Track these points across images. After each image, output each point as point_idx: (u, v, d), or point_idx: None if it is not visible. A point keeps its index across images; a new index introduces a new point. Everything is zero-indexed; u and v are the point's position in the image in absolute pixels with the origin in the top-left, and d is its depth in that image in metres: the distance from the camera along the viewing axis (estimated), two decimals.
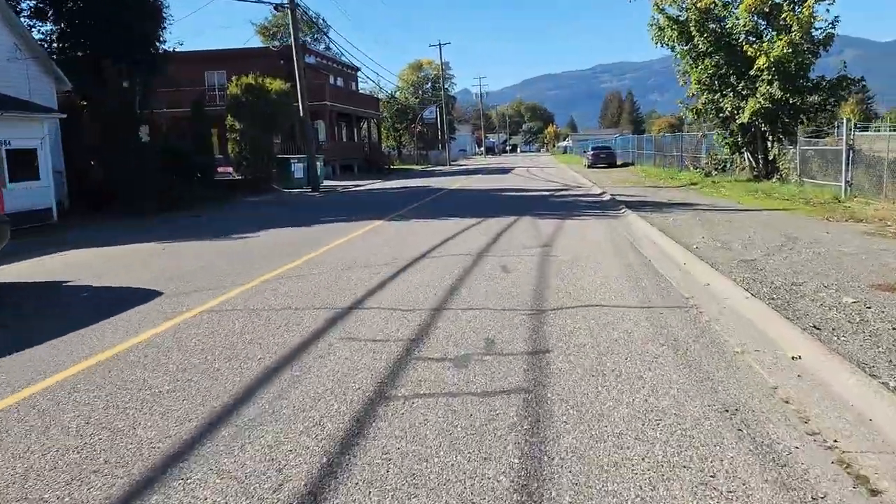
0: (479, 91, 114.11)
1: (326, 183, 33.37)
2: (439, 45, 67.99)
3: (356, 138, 49.88)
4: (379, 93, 70.17)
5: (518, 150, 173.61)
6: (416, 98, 79.78)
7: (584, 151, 47.67)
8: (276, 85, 28.01)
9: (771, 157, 20.19)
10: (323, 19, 59.74)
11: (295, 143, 38.81)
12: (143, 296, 7.32)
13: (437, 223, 13.80)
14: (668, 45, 21.78)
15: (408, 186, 28.98)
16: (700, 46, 20.22)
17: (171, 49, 25.57)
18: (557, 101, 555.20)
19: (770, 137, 19.91)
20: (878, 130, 34.52)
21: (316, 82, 39.21)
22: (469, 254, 9.48)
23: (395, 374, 4.49)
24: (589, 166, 41.80)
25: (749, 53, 18.57)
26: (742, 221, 12.28)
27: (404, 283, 7.61)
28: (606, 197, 18.95)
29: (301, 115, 28.17)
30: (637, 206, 15.74)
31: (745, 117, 19.28)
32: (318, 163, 31.83)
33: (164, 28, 23.78)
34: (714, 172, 23.73)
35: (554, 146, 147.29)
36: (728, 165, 23.08)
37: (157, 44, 23.97)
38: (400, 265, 8.75)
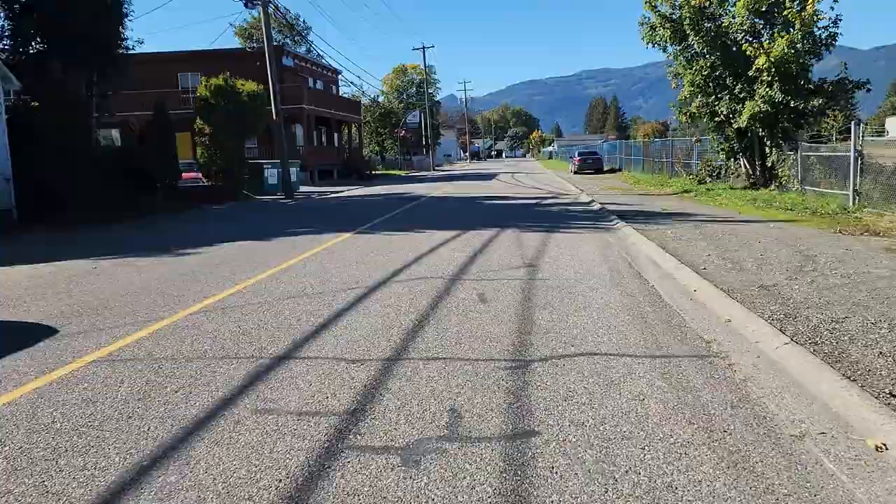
0: (465, 97, 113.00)
1: (303, 189, 31.94)
2: (423, 48, 66.83)
3: (336, 143, 48.46)
4: (362, 97, 68.87)
5: (503, 155, 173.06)
6: (400, 103, 78.53)
7: (571, 157, 46.60)
8: (248, 86, 26.53)
9: (769, 164, 19.05)
10: (303, 21, 58.26)
11: (272, 148, 37.32)
12: (33, 336, 5.88)
13: (410, 236, 12.44)
14: (659, 45, 20.61)
15: (387, 193, 27.62)
16: (695, 46, 19.06)
17: (131, 47, 24.04)
18: (542, 107, 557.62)
19: (768, 143, 18.78)
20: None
21: (293, 85, 37.79)
22: (442, 277, 8.11)
23: (313, 480, 3.11)
24: (575, 172, 40.71)
25: (748, 53, 17.41)
26: (748, 235, 11.05)
27: (358, 319, 6.23)
28: (596, 206, 17.70)
29: (274, 118, 26.73)
30: (630, 216, 14.50)
31: (742, 121, 18.12)
32: (293, 168, 30.40)
33: (125, 25, 22.25)
34: (708, 179, 22.58)
35: (539, 151, 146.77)
36: (723, 172, 21.93)
37: (119, 41, 22.44)
38: (358, 293, 7.37)
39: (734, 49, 18.87)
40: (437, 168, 75.15)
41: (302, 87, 37.73)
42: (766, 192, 18.65)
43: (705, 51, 18.85)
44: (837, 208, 14.44)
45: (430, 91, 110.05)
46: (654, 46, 20.87)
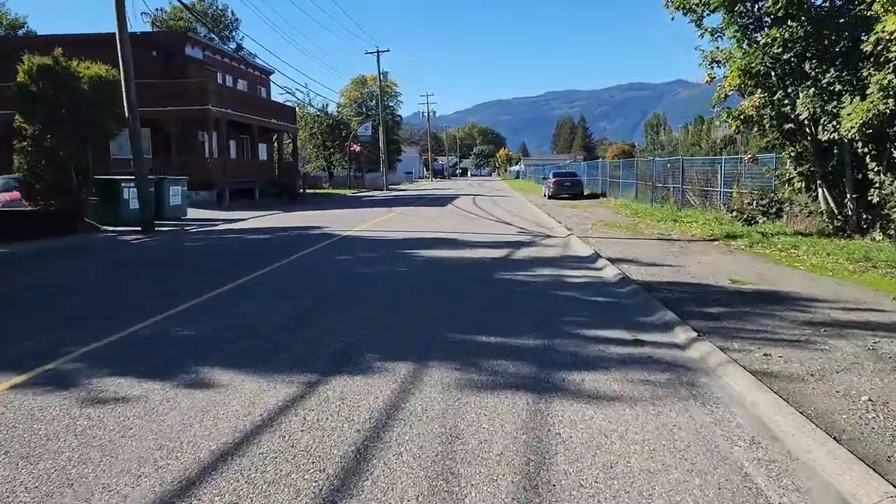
0: (427, 110, 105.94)
1: (198, 215, 23.89)
2: (377, 52, 59.24)
3: (266, 156, 40.36)
4: (308, 106, 61.01)
5: (468, 173, 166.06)
6: (359, 115, 70.54)
7: (544, 178, 39.34)
8: (93, 70, 18.49)
9: (874, 199, 11.80)
10: (231, 11, 50.14)
11: (171, 158, 29.23)
12: None
13: (140, 426, 4.58)
14: (695, 10, 13.36)
15: (295, 226, 19.70)
16: (768, 5, 11.78)
17: None
18: (508, 127, 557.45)
19: (874, 165, 11.54)
20: None
21: (197, 80, 29.75)
22: None
23: None
24: (550, 197, 33.48)
25: (875, 10, 10.07)
26: None
27: None
28: (607, 269, 10.10)
29: (126, 114, 18.73)
30: (688, 304, 7.01)
31: (847, 128, 10.78)
32: (176, 187, 22.46)
33: None
34: (761, 218, 15.26)
35: (506, 171, 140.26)
36: (786, 207, 14.61)
37: None
38: None
39: (824, 13, 11.70)
40: (391, 187, 67.45)
41: (208, 83, 29.63)
42: (867, 243, 11.47)
43: (786, 13, 11.57)
44: None
45: (391, 104, 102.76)
46: (685, 14, 13.61)
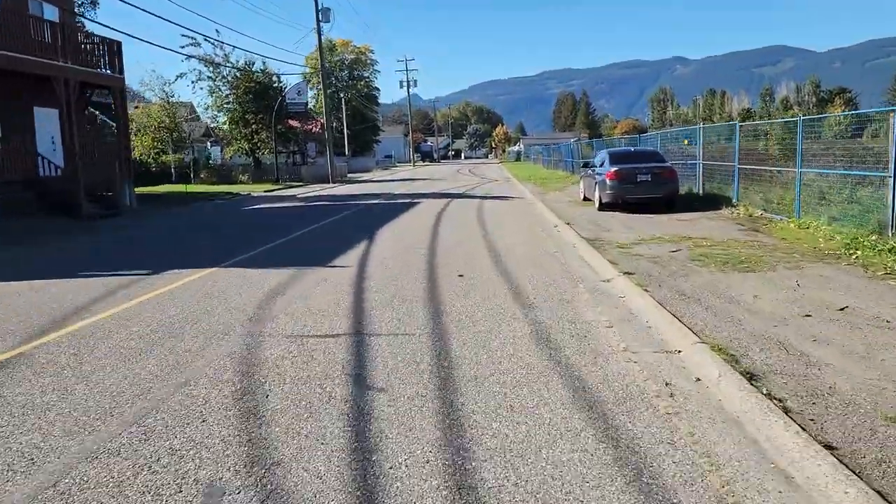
0: (406, 78, 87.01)
1: None
2: None
3: (49, 132, 21.56)
4: (223, 64, 42.10)
5: (462, 155, 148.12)
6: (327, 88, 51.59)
7: (585, 166, 20.17)
8: None
9: None
10: None
11: None
12: None
13: None
14: None
15: None
16: None
17: None
18: (505, 107, 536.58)
19: None
20: None
21: None
22: None
23: None
24: (604, 205, 15.23)
25: None
26: None
27: None
28: None
29: None
30: None
31: None
32: None
33: None
34: None
35: (503, 152, 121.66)
36: None
37: None
38: None
39: None
40: (353, 176, 48.94)
41: None
42: None
43: None
44: None
45: (366, 74, 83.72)
46: None
